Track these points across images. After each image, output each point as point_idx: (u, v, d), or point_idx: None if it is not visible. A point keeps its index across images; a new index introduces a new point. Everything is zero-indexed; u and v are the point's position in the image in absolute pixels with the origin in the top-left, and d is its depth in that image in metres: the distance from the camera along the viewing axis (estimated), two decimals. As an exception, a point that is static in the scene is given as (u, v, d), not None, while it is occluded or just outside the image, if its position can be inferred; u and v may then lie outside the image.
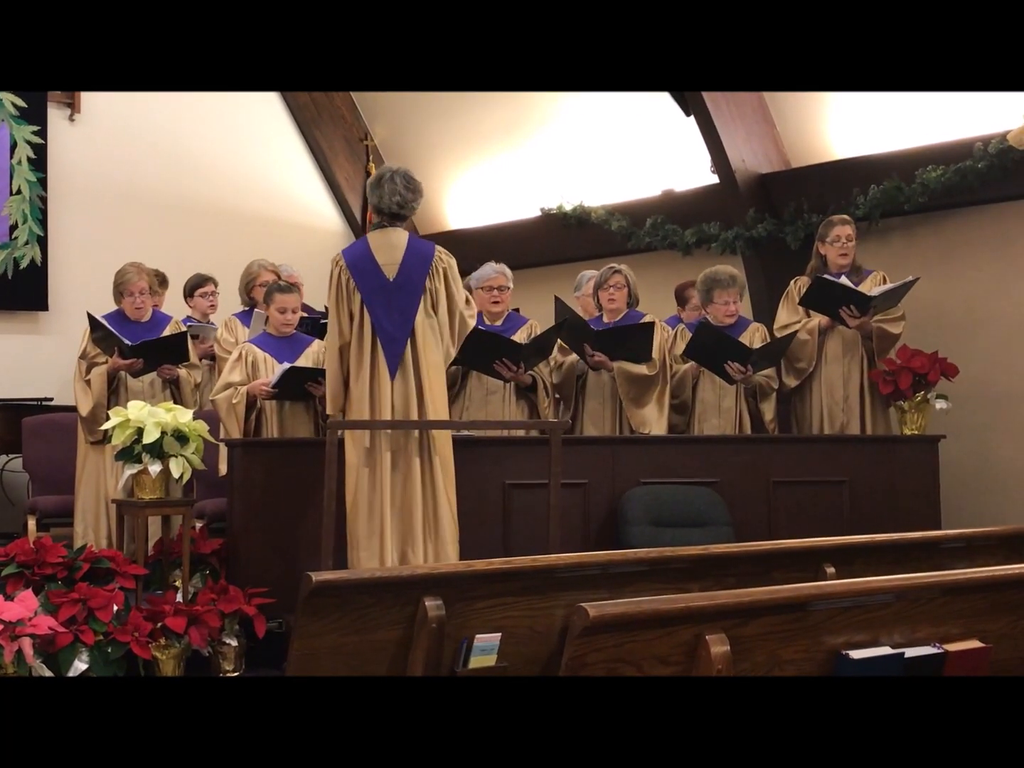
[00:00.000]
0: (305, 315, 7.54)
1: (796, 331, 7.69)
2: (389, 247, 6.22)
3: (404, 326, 6.14)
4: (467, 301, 6.40)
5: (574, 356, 7.65)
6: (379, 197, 6.25)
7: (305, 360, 7.05)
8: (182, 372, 7.65)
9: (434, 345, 6.22)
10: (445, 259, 6.28)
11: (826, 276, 7.60)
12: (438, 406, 6.20)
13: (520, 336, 7.49)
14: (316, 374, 6.74)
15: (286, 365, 6.82)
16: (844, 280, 7.57)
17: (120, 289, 7.67)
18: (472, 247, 10.21)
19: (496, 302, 7.59)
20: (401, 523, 6.07)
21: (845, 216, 7.92)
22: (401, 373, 6.13)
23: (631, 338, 7.46)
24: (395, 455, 6.10)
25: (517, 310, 7.88)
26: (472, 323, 6.47)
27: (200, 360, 8.06)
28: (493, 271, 7.61)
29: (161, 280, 8.76)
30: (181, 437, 6.35)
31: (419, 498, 6.07)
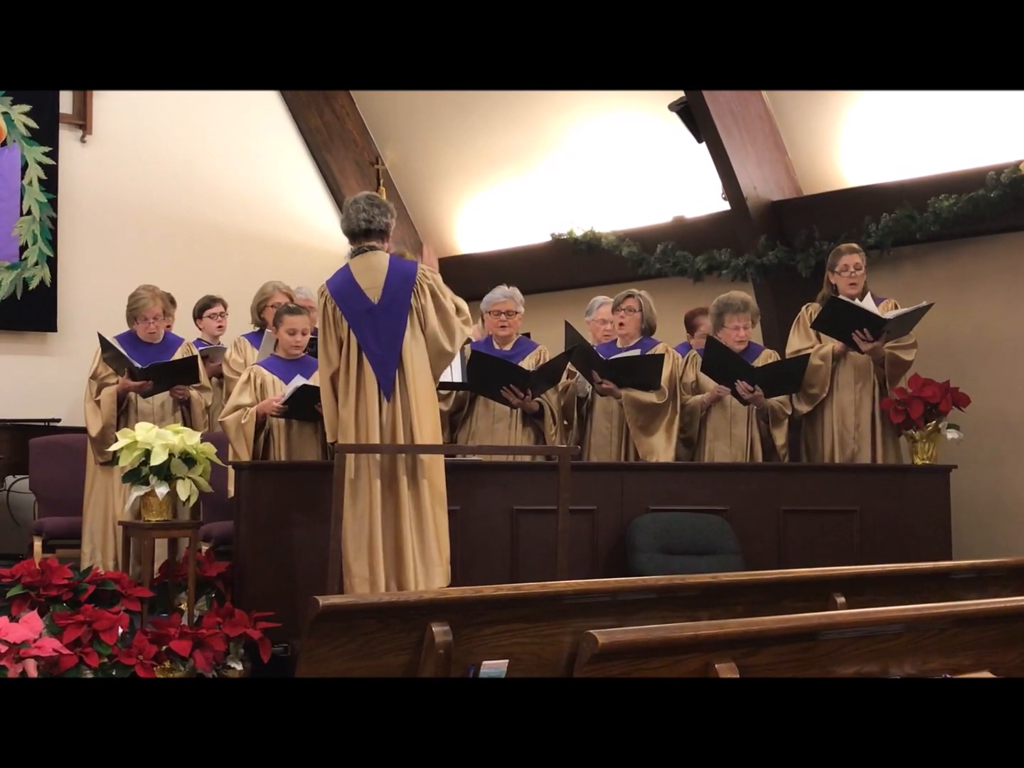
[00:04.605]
0: (314, 337, 7.51)
1: (807, 354, 7.67)
2: (371, 271, 6.22)
3: (392, 348, 6.13)
4: (458, 310, 6.36)
5: (575, 379, 7.64)
6: (348, 222, 6.30)
7: (314, 382, 7.03)
8: (194, 393, 7.64)
9: (422, 367, 6.19)
10: (429, 275, 6.28)
11: (840, 297, 7.58)
12: (427, 429, 6.17)
13: (529, 361, 7.47)
14: (326, 393, 6.73)
15: (298, 381, 6.80)
16: (867, 300, 7.55)
17: (134, 314, 7.66)
18: (482, 272, 10.22)
19: (504, 327, 7.56)
20: (394, 548, 6.05)
21: (853, 245, 7.89)
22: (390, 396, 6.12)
23: (639, 368, 7.44)
24: (383, 480, 6.08)
25: (527, 335, 7.85)
26: (469, 330, 6.44)
27: (210, 379, 8.05)
28: (502, 295, 7.58)
29: (170, 301, 8.76)
30: (188, 459, 6.34)
31: (407, 522, 6.05)
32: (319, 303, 6.29)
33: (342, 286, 6.24)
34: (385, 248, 6.31)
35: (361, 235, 6.28)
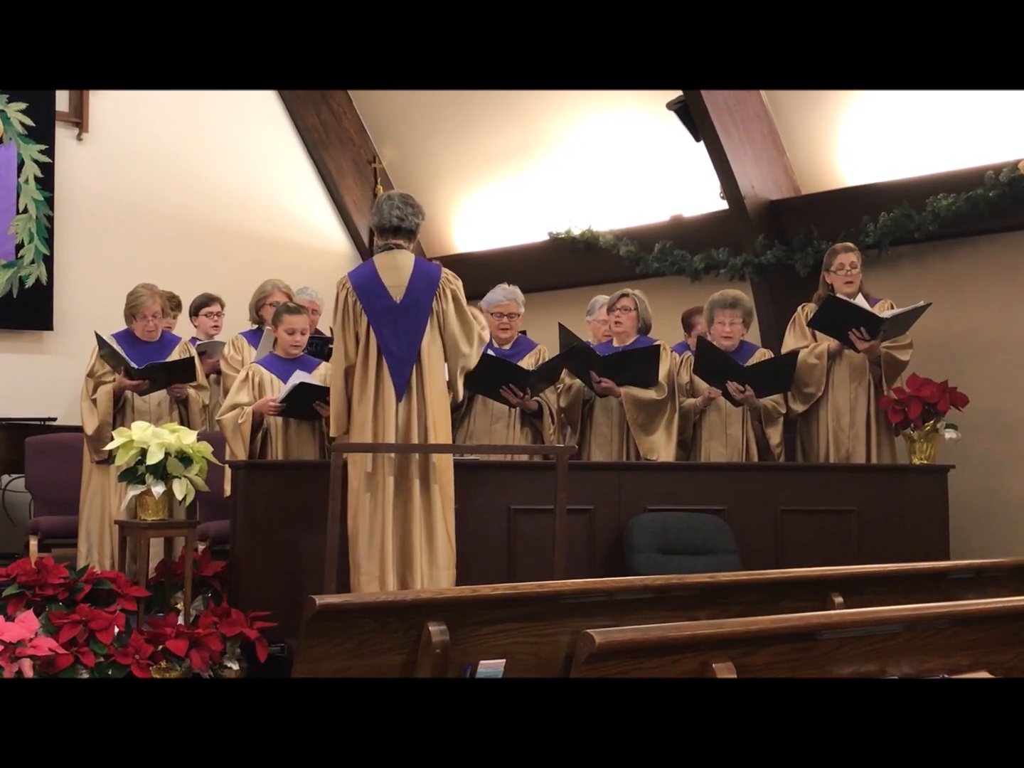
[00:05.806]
0: (313, 336, 7.48)
1: (796, 351, 7.66)
2: (395, 269, 6.21)
3: (411, 348, 6.13)
4: (477, 316, 6.39)
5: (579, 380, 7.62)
6: (379, 216, 6.28)
7: (312, 380, 7.01)
8: (191, 392, 7.62)
9: (439, 369, 6.20)
10: (452, 280, 6.27)
11: (837, 296, 7.57)
12: (440, 430, 6.17)
13: (528, 361, 7.46)
14: (324, 392, 6.69)
15: (296, 379, 6.78)
16: (862, 299, 7.54)
17: (132, 312, 7.64)
18: (480, 270, 10.19)
19: (506, 329, 7.56)
20: (402, 547, 6.04)
21: (849, 244, 7.89)
22: (405, 396, 6.11)
23: (636, 363, 7.42)
24: (397, 479, 6.07)
25: (524, 333, 7.84)
26: (487, 336, 6.44)
27: (207, 376, 8.04)
28: (504, 297, 7.56)
29: (175, 304, 8.74)
30: (185, 458, 6.32)
31: (417, 522, 6.04)
32: (339, 295, 6.24)
33: (366, 280, 6.22)
34: (411, 249, 6.31)
35: (390, 232, 6.26)
